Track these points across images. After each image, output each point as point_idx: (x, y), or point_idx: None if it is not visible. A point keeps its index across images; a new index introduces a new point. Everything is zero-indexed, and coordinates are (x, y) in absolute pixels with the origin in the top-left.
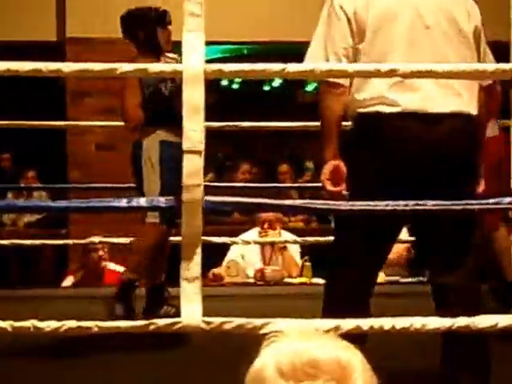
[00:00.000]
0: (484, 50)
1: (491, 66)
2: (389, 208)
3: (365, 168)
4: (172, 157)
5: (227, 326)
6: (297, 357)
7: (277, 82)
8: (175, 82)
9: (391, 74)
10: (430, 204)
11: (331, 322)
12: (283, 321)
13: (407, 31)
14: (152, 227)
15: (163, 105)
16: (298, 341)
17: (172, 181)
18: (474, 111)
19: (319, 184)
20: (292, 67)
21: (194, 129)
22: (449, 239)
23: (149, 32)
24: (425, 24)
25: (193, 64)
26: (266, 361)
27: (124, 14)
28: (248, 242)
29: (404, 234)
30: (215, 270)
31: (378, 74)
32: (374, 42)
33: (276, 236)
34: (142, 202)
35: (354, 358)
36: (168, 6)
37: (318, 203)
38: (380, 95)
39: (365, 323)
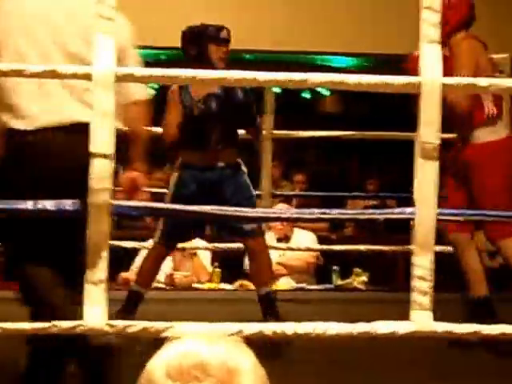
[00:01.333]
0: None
1: None
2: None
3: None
4: (188, 180)
5: (131, 330)
6: (185, 359)
7: None
8: (207, 104)
9: None
10: (335, 212)
11: (234, 327)
12: (186, 324)
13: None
14: (153, 247)
15: (192, 125)
16: (191, 343)
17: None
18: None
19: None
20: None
21: (104, 133)
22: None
23: (200, 48)
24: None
25: (103, 67)
26: (157, 363)
27: (182, 31)
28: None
29: (313, 242)
30: (124, 274)
31: None
32: None
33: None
34: (48, 205)
35: (243, 363)
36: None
37: (232, 210)
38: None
39: (268, 328)
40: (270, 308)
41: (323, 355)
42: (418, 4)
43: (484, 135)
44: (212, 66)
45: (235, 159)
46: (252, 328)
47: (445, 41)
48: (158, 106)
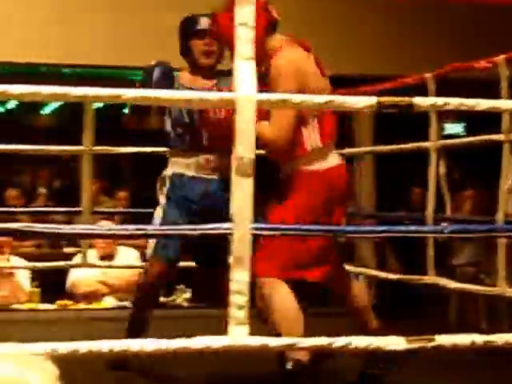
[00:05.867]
0: None
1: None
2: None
3: None
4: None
5: None
6: None
7: (12, 104)
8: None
9: None
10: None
11: (45, 346)
12: None
13: None
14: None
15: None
16: None
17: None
18: None
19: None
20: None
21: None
22: None
23: (183, 44)
24: None
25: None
26: None
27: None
28: None
29: (136, 260)
30: None
31: None
32: None
33: (4, 261)
34: None
35: (32, 381)
36: None
37: (41, 227)
38: None
39: (82, 346)
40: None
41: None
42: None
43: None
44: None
45: None
46: (64, 347)
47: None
48: None
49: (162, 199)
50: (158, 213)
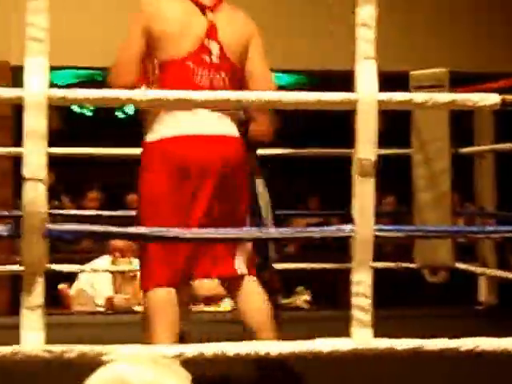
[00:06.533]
0: None
1: None
2: None
3: None
4: None
5: (69, 355)
6: (111, 382)
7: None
8: None
9: None
10: (273, 232)
11: (173, 349)
12: (125, 348)
13: None
14: None
15: None
16: (120, 368)
17: None
18: None
19: None
20: (141, 95)
21: (36, 156)
22: None
23: None
24: None
25: (35, 90)
26: None
27: None
28: (97, 271)
29: None
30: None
31: None
32: None
33: (127, 264)
34: None
35: None
36: None
37: (166, 231)
38: None
39: (208, 349)
40: None
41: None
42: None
43: None
44: None
45: None
46: (191, 350)
47: None
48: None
49: None
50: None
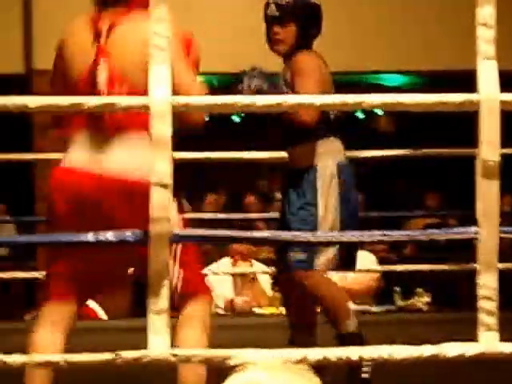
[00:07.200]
0: None
1: None
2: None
3: None
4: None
5: (195, 359)
6: None
7: None
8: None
9: None
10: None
11: (297, 353)
12: (250, 351)
13: None
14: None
15: None
16: (253, 374)
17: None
18: None
19: None
20: (262, 100)
21: (162, 162)
22: None
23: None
24: None
25: (159, 98)
26: None
27: None
28: (217, 274)
29: (373, 264)
30: None
31: None
32: None
33: (247, 267)
34: (110, 236)
35: None
36: None
37: (286, 234)
38: None
39: (332, 353)
40: None
41: (389, 381)
42: (469, 20)
43: None
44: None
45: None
46: (315, 354)
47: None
48: None
49: None
50: None
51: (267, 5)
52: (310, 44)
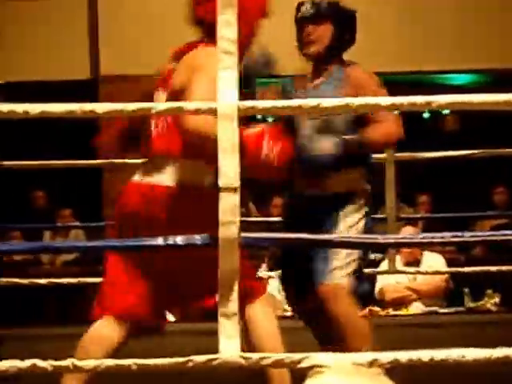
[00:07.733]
0: None
1: None
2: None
3: None
4: None
5: (265, 362)
6: None
7: None
8: None
9: None
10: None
11: (368, 356)
12: (322, 355)
13: None
14: None
15: None
16: (332, 377)
17: None
18: None
19: None
20: (328, 102)
21: (230, 166)
22: None
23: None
24: None
25: (227, 101)
26: None
27: None
28: None
29: (443, 265)
30: None
31: None
32: None
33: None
34: (179, 240)
35: None
36: None
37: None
38: None
39: (403, 356)
40: None
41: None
42: None
43: None
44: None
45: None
46: (386, 357)
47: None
48: None
49: None
50: None
51: (299, 6)
52: (343, 51)
